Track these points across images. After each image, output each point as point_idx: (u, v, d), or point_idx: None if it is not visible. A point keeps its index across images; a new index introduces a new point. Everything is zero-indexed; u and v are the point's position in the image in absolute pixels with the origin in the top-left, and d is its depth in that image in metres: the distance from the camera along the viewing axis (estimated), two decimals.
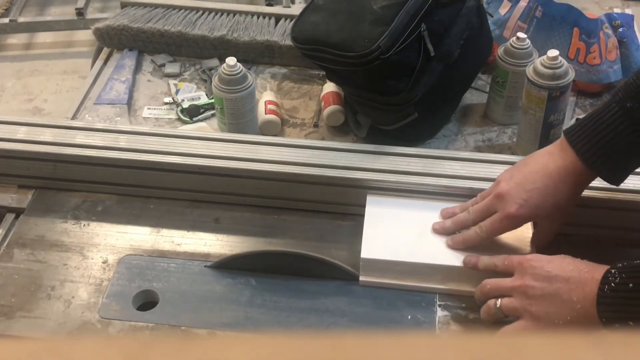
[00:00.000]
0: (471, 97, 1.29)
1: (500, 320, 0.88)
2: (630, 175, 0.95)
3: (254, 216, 1.06)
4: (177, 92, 1.31)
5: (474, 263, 0.93)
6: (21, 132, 1.11)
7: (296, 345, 0.30)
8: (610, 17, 1.32)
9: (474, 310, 0.92)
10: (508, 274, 0.89)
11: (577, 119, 0.95)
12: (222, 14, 1.43)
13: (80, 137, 1.10)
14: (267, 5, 1.98)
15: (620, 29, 1.31)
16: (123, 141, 1.10)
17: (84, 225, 1.05)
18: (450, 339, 0.34)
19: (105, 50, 1.42)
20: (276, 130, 1.22)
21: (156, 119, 1.26)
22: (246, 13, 1.44)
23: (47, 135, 1.11)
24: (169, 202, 1.08)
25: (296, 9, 1.44)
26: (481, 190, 0.98)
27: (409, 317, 0.93)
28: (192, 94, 1.31)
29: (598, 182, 0.93)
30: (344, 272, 0.97)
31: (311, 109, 1.28)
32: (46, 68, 2.49)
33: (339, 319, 0.93)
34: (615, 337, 0.30)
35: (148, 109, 1.28)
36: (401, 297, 0.95)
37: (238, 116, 1.16)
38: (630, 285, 0.77)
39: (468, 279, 0.94)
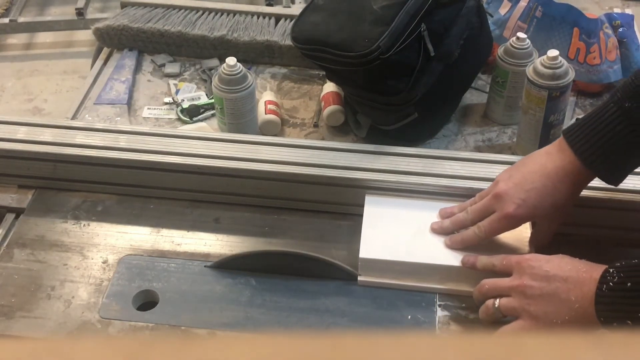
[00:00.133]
0: (471, 97, 1.29)
1: (499, 320, 0.88)
2: (630, 175, 0.95)
3: (254, 216, 1.06)
4: (177, 92, 1.31)
5: (473, 263, 0.93)
6: (21, 132, 1.11)
7: (296, 345, 0.30)
8: (610, 17, 1.32)
9: (473, 310, 0.92)
10: (506, 273, 0.89)
11: (577, 119, 0.95)
12: (222, 14, 1.43)
13: (80, 137, 1.10)
14: (267, 5, 1.98)
15: (620, 29, 1.31)
16: (123, 141, 1.10)
17: (84, 225, 1.05)
18: (450, 339, 0.34)
19: (105, 50, 1.42)
20: (276, 130, 1.22)
21: (156, 119, 1.26)
22: (246, 13, 1.44)
23: (47, 135, 1.11)
24: (169, 202, 1.08)
25: (296, 9, 1.44)
26: (481, 190, 0.98)
27: (409, 317, 0.93)
28: (192, 94, 1.31)
29: (597, 182, 0.93)
30: (344, 272, 0.97)
31: (311, 109, 1.28)
32: (46, 68, 2.49)
33: (339, 319, 0.93)
34: (615, 337, 0.30)
35: (148, 109, 1.28)
36: (401, 297, 0.95)
37: (238, 116, 1.16)
38: (629, 284, 0.78)
39: (466, 279, 0.94)
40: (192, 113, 1.26)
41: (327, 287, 0.96)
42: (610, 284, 0.78)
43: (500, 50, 1.19)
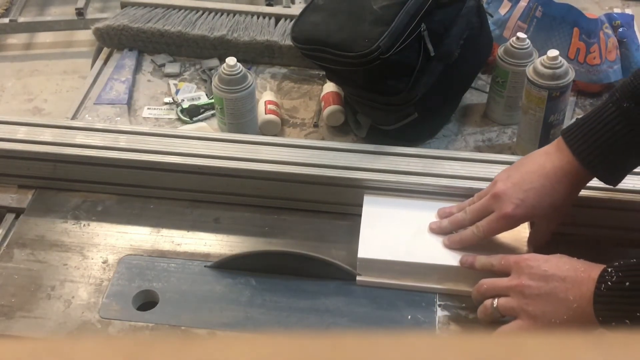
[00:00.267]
0: (471, 97, 1.29)
1: (497, 320, 0.88)
2: (629, 175, 0.95)
3: (254, 216, 1.06)
4: (177, 92, 1.31)
5: (471, 263, 0.93)
6: (21, 132, 1.11)
7: (296, 345, 0.30)
8: (610, 17, 1.32)
9: (473, 310, 0.92)
10: (505, 273, 0.89)
11: (576, 119, 0.95)
12: (222, 14, 1.43)
13: (80, 137, 1.10)
14: (267, 5, 1.98)
15: (620, 29, 1.31)
16: (123, 141, 1.10)
17: (84, 225, 1.05)
18: (450, 339, 0.34)
19: (105, 50, 1.42)
20: (276, 130, 1.22)
21: (156, 119, 1.26)
22: (246, 13, 1.44)
23: (47, 135, 1.11)
24: (169, 202, 1.08)
25: (296, 9, 1.44)
26: (480, 190, 0.98)
27: (409, 317, 0.93)
28: (192, 94, 1.31)
29: (597, 182, 0.93)
30: (344, 272, 0.97)
31: (311, 109, 1.28)
32: (46, 68, 2.49)
33: (338, 319, 0.93)
34: (615, 337, 0.30)
35: (148, 109, 1.28)
36: (401, 297, 0.95)
37: (238, 116, 1.16)
38: (627, 283, 0.78)
39: (465, 279, 0.94)
40: (192, 113, 1.26)
41: (327, 287, 0.96)
42: (609, 283, 0.79)
43: (500, 50, 1.19)
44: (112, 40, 1.41)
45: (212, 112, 1.26)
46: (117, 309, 0.94)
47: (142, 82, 1.35)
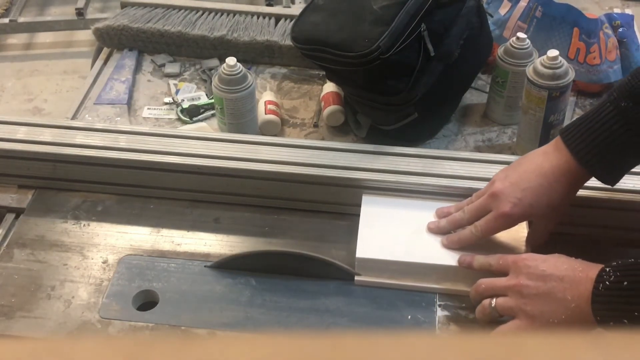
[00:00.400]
0: (471, 97, 1.29)
1: (495, 319, 0.88)
2: (629, 176, 0.95)
3: (254, 216, 1.06)
4: (177, 92, 1.31)
5: (469, 262, 0.93)
6: (21, 132, 1.11)
7: (296, 345, 0.30)
8: (610, 17, 1.32)
9: (473, 310, 0.92)
10: (503, 273, 0.89)
11: (575, 119, 0.95)
12: (222, 14, 1.43)
13: (80, 137, 1.10)
14: (267, 5, 1.98)
15: (620, 29, 1.31)
16: (123, 141, 1.10)
17: (84, 225, 1.05)
18: (450, 339, 0.34)
19: (105, 50, 1.42)
20: (276, 130, 1.22)
21: (156, 119, 1.26)
22: (246, 13, 1.44)
23: (47, 135, 1.11)
24: (169, 202, 1.08)
25: (296, 9, 1.44)
26: (480, 190, 0.98)
27: (409, 317, 0.93)
28: (192, 94, 1.31)
29: (596, 182, 0.93)
30: (344, 272, 0.97)
31: (311, 109, 1.28)
32: (46, 68, 2.49)
33: (338, 319, 0.93)
34: (615, 337, 0.30)
35: (148, 109, 1.28)
36: (401, 297, 0.95)
37: (238, 116, 1.16)
38: (625, 283, 0.78)
39: (463, 279, 0.94)
40: (192, 113, 1.26)
41: (327, 287, 0.96)
42: (607, 283, 0.79)
43: (500, 50, 1.19)
44: (112, 40, 1.41)
45: (212, 112, 1.26)
46: (117, 309, 0.94)
47: (142, 82, 1.35)
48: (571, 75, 1.09)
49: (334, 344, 0.30)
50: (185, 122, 1.25)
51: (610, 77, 1.26)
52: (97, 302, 0.94)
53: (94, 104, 1.28)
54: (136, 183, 1.09)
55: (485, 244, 0.95)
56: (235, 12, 1.43)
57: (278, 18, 1.43)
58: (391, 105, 1.12)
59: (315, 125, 1.24)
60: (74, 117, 1.25)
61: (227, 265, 0.98)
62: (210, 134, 1.15)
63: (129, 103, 1.29)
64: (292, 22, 1.18)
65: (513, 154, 1.16)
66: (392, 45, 1.04)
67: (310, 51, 1.11)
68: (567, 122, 1.15)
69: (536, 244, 0.96)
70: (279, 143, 1.10)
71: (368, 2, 1.08)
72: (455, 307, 0.94)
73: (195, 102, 1.28)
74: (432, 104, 1.16)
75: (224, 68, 1.14)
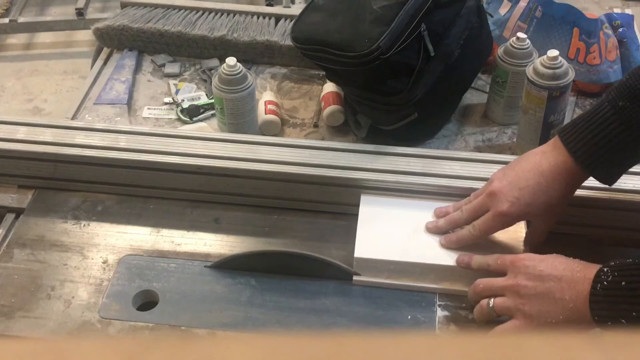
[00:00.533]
0: (471, 97, 1.29)
1: (493, 319, 0.88)
2: (630, 176, 0.95)
3: (254, 216, 1.06)
4: (177, 92, 1.31)
5: (467, 262, 0.93)
6: (21, 132, 1.11)
7: (296, 345, 0.30)
8: (610, 17, 1.32)
9: (473, 310, 0.92)
10: (501, 273, 0.89)
11: (573, 118, 0.95)
12: (222, 14, 1.43)
13: (80, 137, 1.10)
14: (267, 5, 1.98)
15: (620, 29, 1.31)
16: (123, 141, 1.10)
17: (84, 225, 1.05)
18: (450, 339, 0.34)
19: (105, 50, 1.42)
20: (276, 130, 1.22)
21: (156, 119, 1.26)
22: (246, 13, 1.44)
23: (47, 135, 1.11)
24: (169, 202, 1.08)
25: (296, 9, 1.44)
26: None
27: (409, 317, 0.93)
28: (192, 94, 1.31)
29: (596, 182, 0.93)
30: (344, 272, 0.97)
31: (311, 109, 1.28)
32: (46, 68, 2.49)
33: (338, 319, 0.93)
34: (616, 338, 0.30)
35: (148, 109, 1.28)
36: (401, 297, 0.95)
37: (238, 116, 1.16)
38: (623, 283, 0.78)
39: (461, 279, 0.94)
40: (192, 113, 1.26)
41: (327, 287, 0.96)
42: (605, 283, 0.79)
43: (500, 50, 1.19)
44: (112, 40, 1.41)
45: (212, 112, 1.25)
46: (117, 309, 0.94)
47: (142, 82, 1.35)
48: (571, 75, 1.09)
49: (334, 344, 0.30)
50: (185, 122, 1.25)
51: (610, 77, 1.26)
52: (97, 302, 0.94)
53: (94, 104, 1.28)
54: (136, 183, 1.09)
55: (483, 243, 0.95)
56: (235, 12, 1.43)
57: (278, 18, 1.43)
58: (391, 105, 1.12)
59: (315, 125, 1.24)
60: (74, 117, 1.25)
61: (227, 265, 0.98)
62: (210, 134, 1.15)
63: (129, 103, 1.29)
64: (292, 22, 1.18)
65: (513, 154, 1.16)
66: (392, 45, 1.04)
67: (310, 51, 1.11)
68: (567, 122, 1.15)
69: (534, 244, 0.96)
70: (279, 143, 1.10)
71: (368, 2, 1.08)
72: (455, 307, 0.94)
73: (195, 102, 1.28)
74: (432, 104, 1.15)
75: (224, 68, 1.14)
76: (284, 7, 1.87)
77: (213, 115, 1.25)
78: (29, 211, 1.07)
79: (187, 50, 1.39)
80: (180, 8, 1.44)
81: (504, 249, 0.96)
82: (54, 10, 2.72)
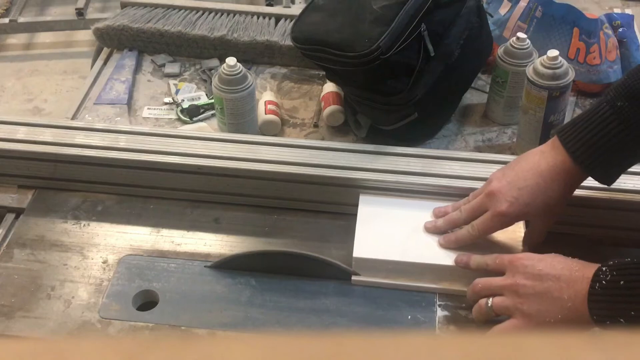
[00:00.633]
0: (471, 97, 1.29)
1: (492, 319, 0.88)
2: (629, 176, 0.95)
3: (254, 216, 1.06)
4: (177, 92, 1.31)
5: (466, 262, 0.93)
6: (21, 132, 1.11)
7: (296, 345, 0.30)
8: (610, 17, 1.33)
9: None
10: (499, 272, 0.89)
11: (572, 118, 0.95)
12: (222, 14, 1.43)
13: (80, 137, 1.10)
14: (267, 5, 1.98)
15: (620, 29, 1.31)
16: (123, 141, 1.10)
17: (84, 225, 1.05)
18: (450, 339, 0.34)
19: (105, 50, 1.42)
20: (276, 130, 1.22)
21: (156, 119, 1.26)
22: (246, 13, 1.44)
23: (47, 135, 1.11)
24: (169, 202, 1.08)
25: (296, 9, 1.44)
26: None
27: (409, 317, 0.93)
28: (192, 94, 1.31)
29: (596, 182, 0.93)
30: (344, 272, 0.97)
31: (311, 109, 1.28)
32: (46, 68, 2.49)
33: (338, 319, 0.93)
34: (616, 337, 0.30)
35: (148, 109, 1.28)
36: (401, 297, 0.95)
37: (238, 116, 1.16)
38: (622, 282, 0.78)
39: (460, 278, 0.94)
40: (192, 113, 1.26)
41: (327, 287, 0.96)
42: (603, 282, 0.79)
43: (500, 50, 1.19)
44: (112, 40, 1.41)
45: (212, 112, 1.25)
46: (117, 309, 0.94)
47: (142, 82, 1.35)
48: (571, 75, 1.09)
49: (334, 344, 0.30)
50: (185, 122, 1.25)
51: (610, 77, 1.26)
52: (97, 302, 0.94)
53: (94, 104, 1.28)
54: (136, 183, 1.09)
55: (482, 243, 0.95)
56: (235, 12, 1.43)
57: (278, 18, 1.43)
58: (391, 105, 1.12)
59: (315, 125, 1.24)
60: (74, 117, 1.25)
61: (227, 265, 0.98)
62: (210, 134, 1.15)
63: (129, 103, 1.29)
64: (292, 22, 1.18)
65: (513, 154, 1.15)
66: (392, 45, 1.04)
67: (310, 51, 1.11)
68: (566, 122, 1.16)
69: (533, 244, 0.96)
70: (279, 143, 1.10)
71: (368, 2, 1.08)
72: (455, 307, 0.94)
73: (195, 102, 1.28)
74: (432, 104, 1.15)
75: (224, 68, 1.14)
76: (284, 7, 1.86)
77: (213, 115, 1.25)
78: (29, 211, 1.07)
79: (187, 50, 1.39)
80: (180, 8, 1.44)
81: (503, 248, 0.96)
82: (54, 10, 2.71)
